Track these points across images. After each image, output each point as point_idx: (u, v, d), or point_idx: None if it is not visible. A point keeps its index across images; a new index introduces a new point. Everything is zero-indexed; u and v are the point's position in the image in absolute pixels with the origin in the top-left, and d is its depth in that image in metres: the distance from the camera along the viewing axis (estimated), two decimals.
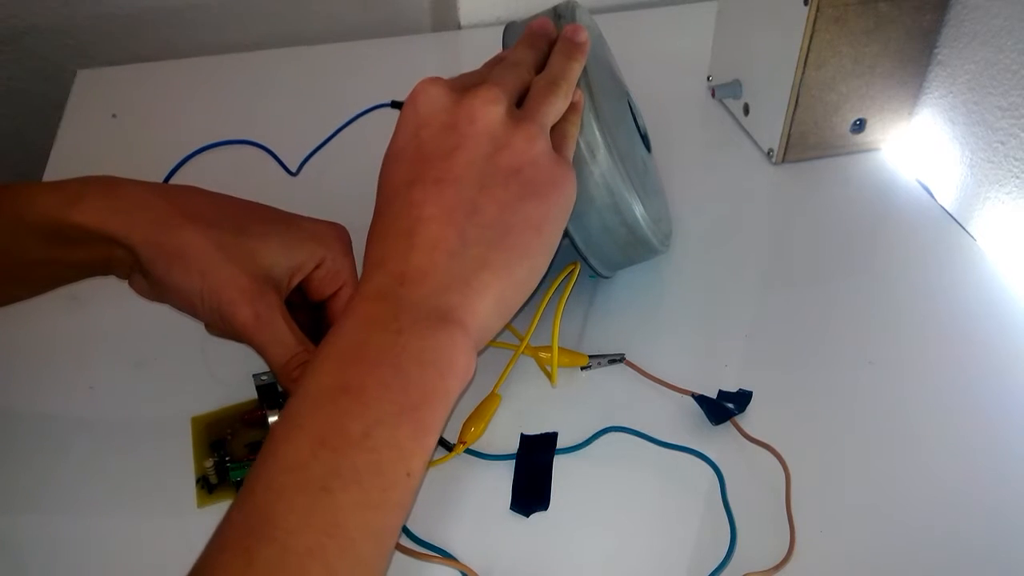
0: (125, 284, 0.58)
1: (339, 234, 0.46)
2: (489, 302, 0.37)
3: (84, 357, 0.53)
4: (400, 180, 0.38)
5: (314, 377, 0.34)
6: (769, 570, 0.41)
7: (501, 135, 0.38)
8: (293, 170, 0.61)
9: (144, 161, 0.70)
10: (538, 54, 0.44)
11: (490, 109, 0.38)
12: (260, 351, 0.42)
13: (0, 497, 0.46)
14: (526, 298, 0.39)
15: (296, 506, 0.31)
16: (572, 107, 0.43)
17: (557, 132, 0.42)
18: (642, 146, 0.54)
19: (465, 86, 0.39)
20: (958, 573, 0.42)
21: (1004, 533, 0.44)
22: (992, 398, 0.50)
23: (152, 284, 0.44)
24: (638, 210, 0.48)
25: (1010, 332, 0.54)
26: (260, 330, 0.41)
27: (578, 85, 0.44)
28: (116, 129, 0.74)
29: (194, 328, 0.55)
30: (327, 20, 0.89)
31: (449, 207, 0.36)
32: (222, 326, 0.43)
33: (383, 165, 0.40)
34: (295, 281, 0.44)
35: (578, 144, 0.44)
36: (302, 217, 0.46)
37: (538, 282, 0.40)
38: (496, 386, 0.49)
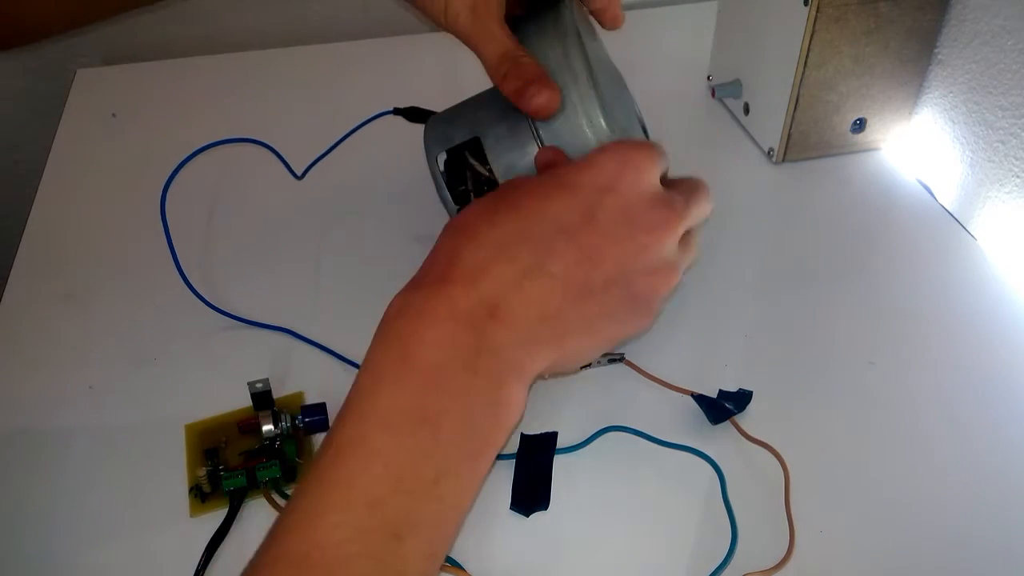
0: (125, 284, 0.58)
1: None
2: (542, 369, 0.36)
3: (84, 357, 0.53)
4: (558, 213, 0.36)
5: (396, 392, 0.32)
6: (768, 570, 0.41)
7: (653, 265, 0.37)
8: (299, 173, 0.61)
9: (144, 160, 0.70)
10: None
11: (673, 243, 0.38)
12: (475, 49, 0.43)
13: None
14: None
15: (370, 552, 0.29)
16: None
17: (688, 256, 0.41)
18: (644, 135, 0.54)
19: (675, 201, 0.38)
20: (959, 572, 0.42)
21: (1005, 532, 0.44)
22: (993, 397, 0.50)
23: None
24: None
25: (1011, 331, 0.54)
26: (475, 28, 0.42)
27: (577, 71, 0.43)
28: (116, 128, 0.74)
29: (194, 328, 0.55)
30: (326, 20, 0.89)
31: (571, 281, 0.35)
32: (446, 24, 0.44)
33: (560, 177, 0.38)
34: None
35: (580, 114, 0.44)
36: None
37: None
38: None
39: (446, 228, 0.37)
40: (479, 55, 0.44)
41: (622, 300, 0.37)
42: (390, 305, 0.35)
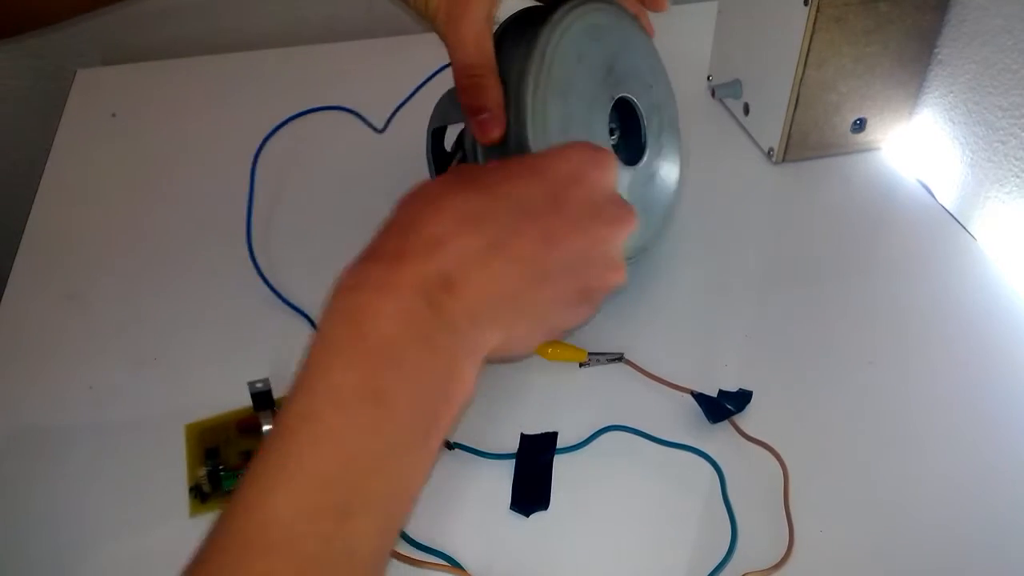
0: (125, 284, 0.58)
1: None
2: (503, 351, 0.36)
3: (84, 357, 0.53)
4: (524, 194, 0.36)
5: (344, 369, 0.31)
6: (768, 569, 0.41)
7: (608, 259, 0.38)
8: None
9: (144, 160, 0.70)
10: None
11: (623, 236, 0.38)
12: (447, 49, 0.45)
13: None
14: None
15: (320, 532, 0.29)
16: None
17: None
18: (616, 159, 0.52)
19: (622, 199, 0.39)
20: (957, 571, 0.42)
21: (1003, 532, 0.44)
22: (992, 397, 0.50)
23: None
24: None
25: (1010, 331, 0.54)
26: (448, 29, 0.44)
27: (527, 81, 0.45)
28: (116, 129, 0.74)
29: (193, 329, 0.55)
30: (328, 20, 0.89)
31: (530, 264, 0.35)
32: (427, 16, 0.45)
33: (529, 161, 0.39)
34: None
35: (512, 148, 0.46)
36: None
37: None
38: None
39: (404, 199, 0.36)
40: (449, 56, 0.46)
41: (575, 290, 0.37)
42: (342, 276, 0.34)
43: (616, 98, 0.50)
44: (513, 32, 0.49)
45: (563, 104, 0.47)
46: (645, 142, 0.53)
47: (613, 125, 0.53)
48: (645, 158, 0.52)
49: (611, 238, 0.38)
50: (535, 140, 0.46)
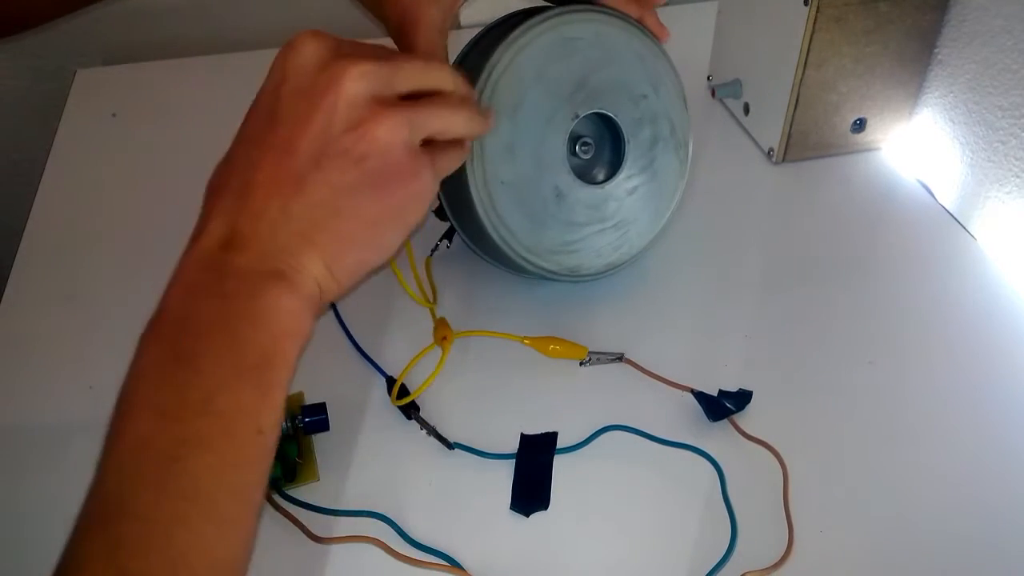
0: (125, 283, 0.58)
1: None
2: (316, 272, 0.36)
3: (84, 357, 0.53)
4: (249, 133, 0.38)
5: (145, 353, 0.34)
6: (767, 568, 0.41)
7: (357, 116, 0.35)
8: None
9: (144, 160, 0.70)
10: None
11: (356, 84, 0.35)
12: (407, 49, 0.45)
13: None
14: (362, 279, 0.39)
15: (148, 481, 0.31)
16: (474, 128, 0.42)
17: (442, 141, 0.40)
18: (571, 178, 0.49)
19: (346, 53, 0.37)
20: (956, 571, 0.42)
21: (1003, 531, 0.44)
22: (992, 397, 0.50)
23: None
24: (495, 235, 0.49)
25: (1010, 331, 0.54)
26: (403, 36, 0.45)
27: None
28: (116, 128, 0.74)
29: None
30: (327, 19, 0.89)
31: (279, 179, 0.35)
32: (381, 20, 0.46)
33: (250, 108, 0.39)
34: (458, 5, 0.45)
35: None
36: None
37: (373, 270, 0.39)
38: None
39: None
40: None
41: (347, 167, 0.36)
42: None
43: (581, 115, 0.49)
44: (483, 43, 0.50)
45: (510, 123, 0.47)
46: (623, 157, 0.51)
47: (589, 140, 0.52)
48: (620, 175, 0.51)
49: (337, 100, 0.35)
50: (475, 158, 0.47)
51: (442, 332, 0.53)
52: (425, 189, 0.38)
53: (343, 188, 0.36)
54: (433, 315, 0.55)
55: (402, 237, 0.39)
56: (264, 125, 0.37)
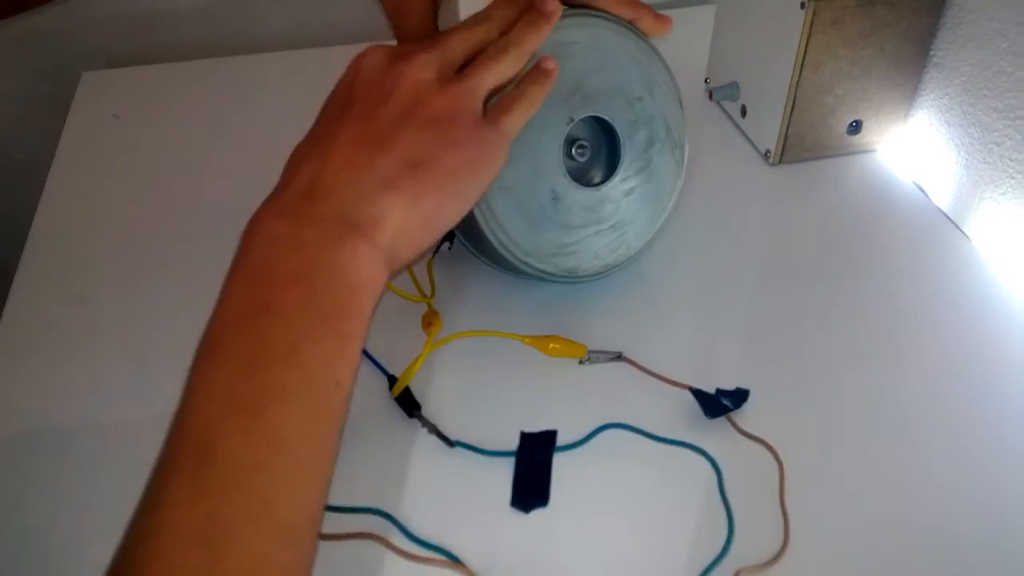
0: (129, 285, 0.59)
1: None
2: (396, 223, 0.38)
3: (88, 357, 0.54)
4: (328, 114, 0.41)
5: (227, 303, 0.35)
6: (762, 565, 0.42)
7: (425, 94, 0.40)
8: None
9: (148, 163, 0.70)
10: (513, 14, 0.45)
11: (419, 74, 0.40)
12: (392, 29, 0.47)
13: (0, 496, 0.47)
14: (436, 235, 0.41)
15: (234, 428, 0.32)
16: (533, 77, 0.45)
17: (502, 101, 0.44)
18: (567, 180, 0.50)
19: (404, 53, 0.41)
20: (952, 569, 0.43)
21: (998, 529, 0.44)
22: (987, 396, 0.51)
23: None
24: (493, 238, 0.50)
25: (1005, 331, 0.55)
26: (395, 7, 0.47)
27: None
28: (120, 130, 0.75)
29: (196, 330, 0.55)
30: (329, 22, 0.89)
31: (363, 136, 0.39)
32: None
33: (324, 104, 0.43)
34: None
35: None
36: None
37: (447, 225, 0.41)
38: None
39: None
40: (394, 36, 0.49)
41: (424, 128, 0.39)
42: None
43: (576, 119, 0.49)
44: None
45: None
46: (619, 159, 0.51)
47: (585, 143, 0.52)
48: (616, 177, 0.51)
49: (400, 76, 0.40)
50: None
51: (428, 319, 0.54)
52: (494, 146, 0.42)
53: (421, 144, 0.39)
54: (430, 306, 0.56)
55: (478, 190, 0.42)
56: (342, 107, 0.41)
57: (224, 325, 0.35)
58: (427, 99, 0.40)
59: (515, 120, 0.44)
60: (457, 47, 0.43)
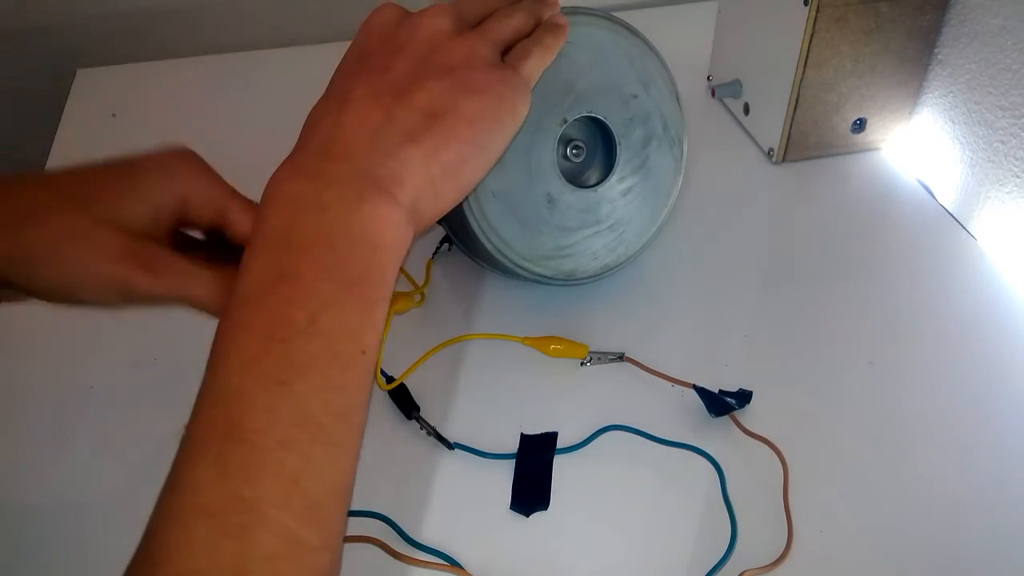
0: None
1: (185, 158, 0.43)
2: (417, 178, 0.36)
3: (85, 357, 0.53)
4: (343, 71, 0.40)
5: (248, 273, 0.34)
6: (766, 567, 0.41)
7: (440, 42, 0.39)
8: None
9: None
10: None
11: (433, 22, 0.40)
12: (183, 300, 0.42)
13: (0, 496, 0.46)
14: (460, 191, 0.39)
15: (258, 404, 0.31)
16: (548, 29, 0.44)
17: (518, 48, 0.43)
18: (562, 183, 0.49)
19: (418, 11, 0.41)
20: (954, 570, 0.43)
21: (1001, 531, 0.44)
22: (992, 397, 0.50)
23: (17, 294, 0.42)
24: (487, 243, 0.49)
25: (1010, 331, 0.54)
26: (162, 279, 0.41)
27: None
28: (115, 129, 0.74)
29: (194, 329, 0.55)
30: (328, 20, 0.89)
31: (378, 90, 0.37)
32: (125, 300, 0.42)
33: (339, 64, 0.41)
34: (166, 223, 0.42)
35: None
36: (142, 155, 0.43)
37: (472, 180, 0.40)
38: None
39: None
40: (191, 303, 0.44)
41: (441, 76, 0.38)
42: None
43: (570, 120, 0.48)
44: None
45: None
46: (616, 159, 0.51)
47: (580, 143, 0.51)
48: (613, 177, 0.51)
49: (416, 30, 0.39)
50: None
51: (395, 297, 0.53)
52: (516, 90, 0.40)
53: (440, 92, 0.38)
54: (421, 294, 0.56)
55: (502, 140, 0.40)
56: (356, 62, 0.40)
57: (245, 294, 0.33)
58: (443, 47, 0.39)
59: (534, 65, 0.42)
60: (471, 7, 0.43)
